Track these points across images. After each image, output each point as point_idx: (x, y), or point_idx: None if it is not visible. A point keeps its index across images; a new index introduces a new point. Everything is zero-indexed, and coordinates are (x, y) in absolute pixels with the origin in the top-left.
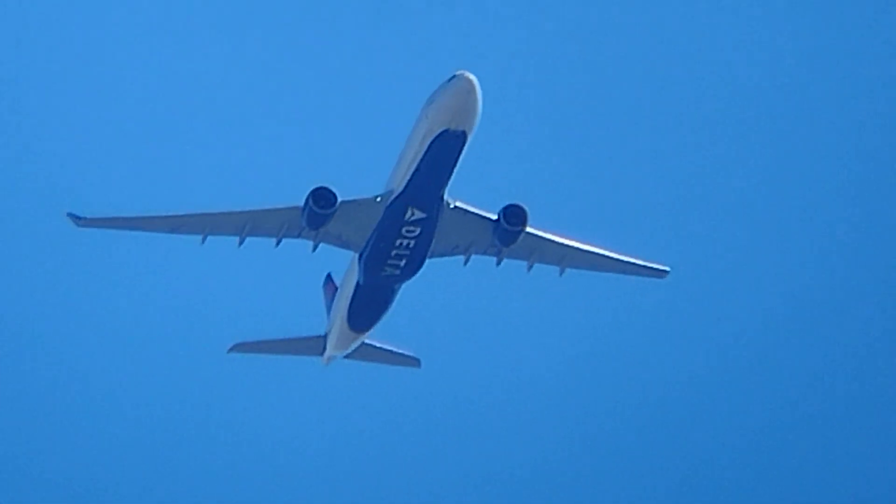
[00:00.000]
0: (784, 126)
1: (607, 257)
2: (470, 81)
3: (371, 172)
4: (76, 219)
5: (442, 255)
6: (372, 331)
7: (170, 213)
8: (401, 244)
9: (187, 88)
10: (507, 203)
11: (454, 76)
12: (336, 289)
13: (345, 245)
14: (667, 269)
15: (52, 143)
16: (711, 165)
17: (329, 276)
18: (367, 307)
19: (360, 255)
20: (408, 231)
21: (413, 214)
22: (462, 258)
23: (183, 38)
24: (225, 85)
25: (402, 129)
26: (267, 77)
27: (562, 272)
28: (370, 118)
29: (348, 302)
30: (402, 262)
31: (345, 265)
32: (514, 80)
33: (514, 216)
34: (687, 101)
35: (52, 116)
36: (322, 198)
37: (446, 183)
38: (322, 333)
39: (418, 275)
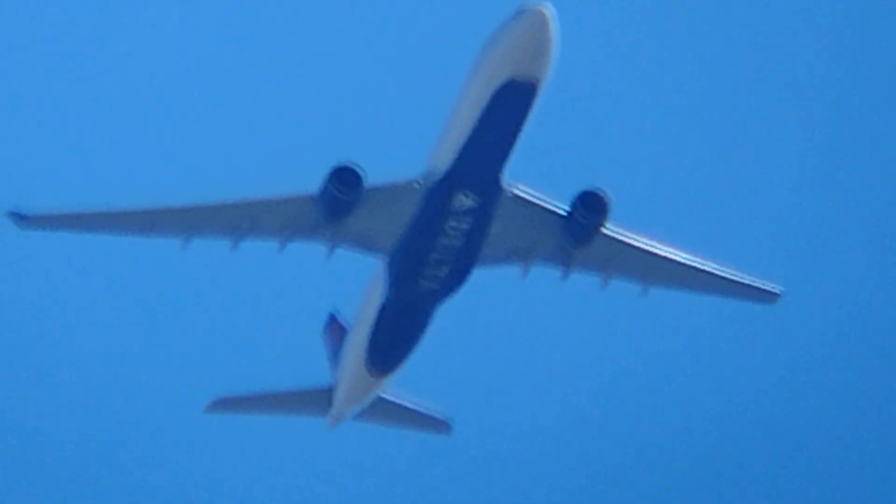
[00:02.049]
0: None
1: (708, 273)
2: (543, 14)
3: (402, 157)
4: (19, 218)
5: (494, 262)
6: (395, 373)
7: (141, 207)
8: (444, 244)
9: (165, 71)
10: (582, 189)
11: (522, 9)
12: (343, 331)
13: (369, 247)
14: (778, 290)
15: None
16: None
17: (333, 317)
18: (393, 336)
19: (389, 262)
20: (454, 226)
21: (462, 202)
22: (518, 268)
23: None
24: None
25: (440, 104)
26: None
27: (645, 290)
28: (401, 93)
29: (369, 330)
30: (444, 271)
31: (358, 296)
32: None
33: (592, 204)
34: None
35: None
36: (345, 179)
37: (507, 157)
38: (327, 385)
39: (460, 290)
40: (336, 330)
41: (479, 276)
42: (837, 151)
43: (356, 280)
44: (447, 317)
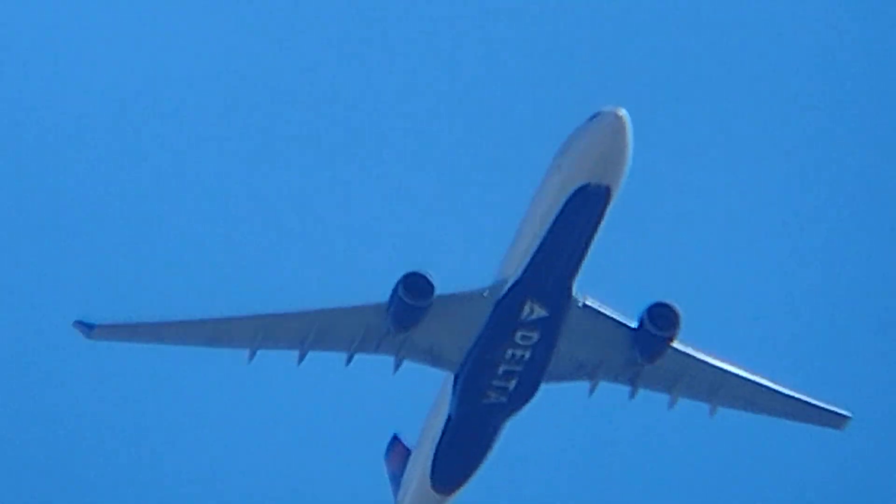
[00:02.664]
0: None
1: (778, 393)
2: (620, 119)
3: (472, 267)
4: (86, 327)
5: (561, 378)
6: (460, 491)
7: (209, 317)
8: (513, 356)
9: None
10: (653, 301)
11: (598, 113)
12: (406, 452)
13: (436, 360)
14: (848, 414)
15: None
16: None
17: (396, 438)
18: (458, 452)
19: (457, 375)
20: (524, 336)
21: (532, 311)
22: (586, 385)
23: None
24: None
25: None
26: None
27: (713, 411)
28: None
29: (435, 445)
30: (512, 384)
31: (423, 413)
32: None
33: (662, 317)
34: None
35: None
36: (416, 286)
37: (579, 265)
38: None
39: (527, 405)
40: (399, 452)
41: (547, 392)
42: None
43: (422, 397)
44: (513, 433)
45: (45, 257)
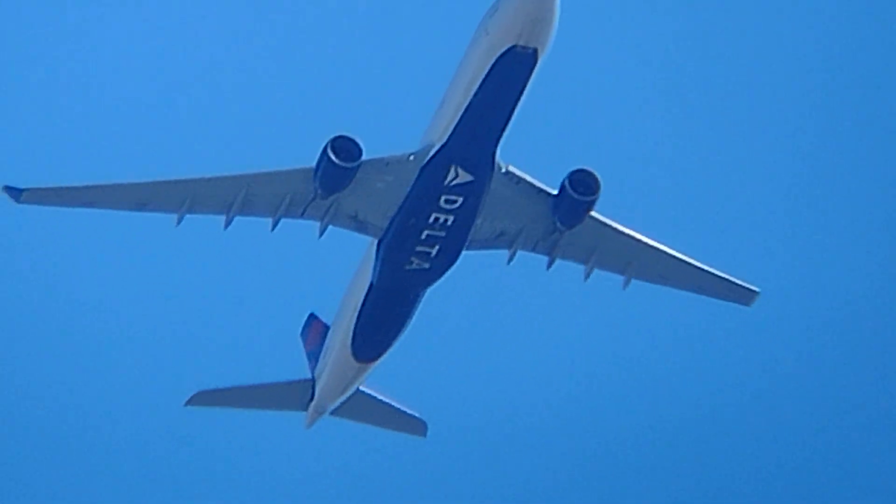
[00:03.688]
0: None
1: (688, 265)
2: None
3: (395, 133)
4: (15, 192)
5: (481, 246)
6: (380, 360)
7: (138, 182)
8: (436, 220)
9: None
10: (574, 168)
11: None
12: (325, 329)
13: (361, 227)
14: (756, 290)
15: None
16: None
17: (313, 316)
18: (379, 320)
19: (380, 241)
20: (447, 202)
21: (457, 176)
22: (504, 254)
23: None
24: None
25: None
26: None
27: (626, 283)
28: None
29: (356, 313)
30: (434, 250)
31: (344, 282)
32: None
33: (582, 183)
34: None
35: None
36: (343, 148)
37: (504, 129)
38: (309, 378)
39: (448, 273)
40: (316, 329)
41: (464, 263)
42: (821, 154)
43: (341, 273)
44: (430, 306)
45: None
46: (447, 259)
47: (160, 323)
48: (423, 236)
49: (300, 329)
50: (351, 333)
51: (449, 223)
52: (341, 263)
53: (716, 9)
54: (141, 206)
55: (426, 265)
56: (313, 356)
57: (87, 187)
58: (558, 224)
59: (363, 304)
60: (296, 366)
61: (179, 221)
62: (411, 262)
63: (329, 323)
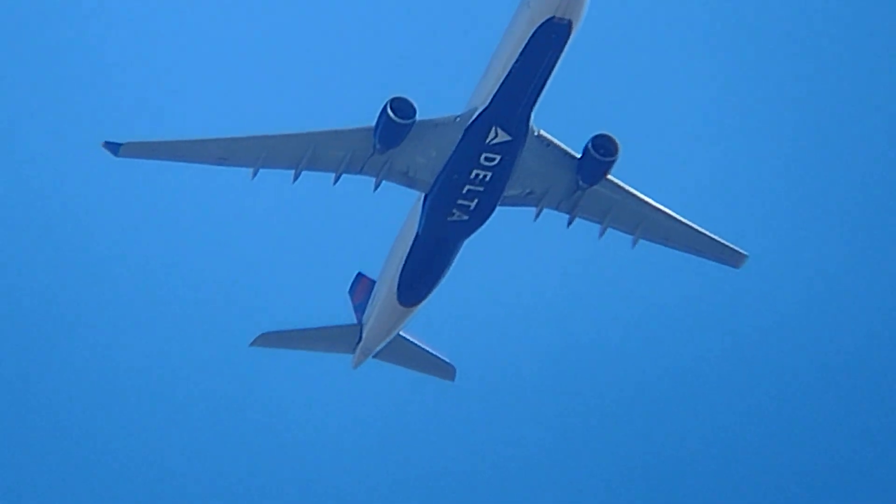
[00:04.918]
0: None
1: (689, 227)
2: None
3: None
4: (113, 146)
5: (513, 202)
6: (422, 304)
7: (224, 136)
8: (476, 176)
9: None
10: (596, 133)
11: None
12: (371, 285)
13: (411, 182)
14: (745, 253)
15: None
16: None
17: (360, 275)
18: (423, 268)
19: (426, 197)
20: (487, 159)
21: (496, 136)
22: (532, 211)
23: None
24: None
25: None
26: None
27: (635, 242)
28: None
29: (403, 260)
30: (473, 203)
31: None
32: None
33: (603, 147)
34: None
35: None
36: (401, 107)
37: (538, 96)
38: (357, 323)
39: (483, 226)
40: (363, 286)
41: (497, 218)
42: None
43: (386, 229)
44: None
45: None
46: (484, 212)
47: (227, 272)
48: (465, 191)
49: (348, 286)
50: (397, 279)
51: (487, 179)
52: (386, 225)
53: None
54: (222, 161)
55: (466, 217)
56: (360, 308)
57: (177, 142)
58: (580, 182)
59: (409, 252)
60: (345, 317)
61: (255, 175)
62: (453, 214)
63: (375, 279)
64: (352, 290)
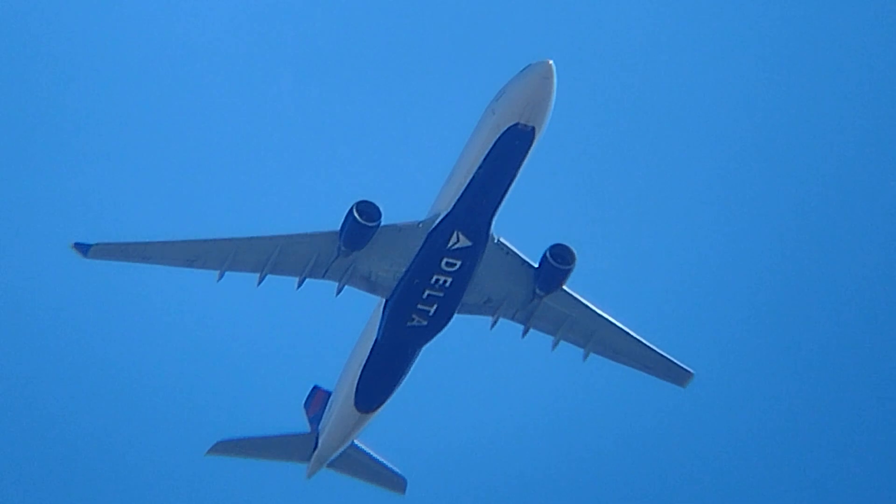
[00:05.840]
0: None
1: (638, 342)
2: (550, 67)
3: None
4: (83, 248)
5: (471, 310)
6: (379, 411)
7: (193, 238)
8: (437, 281)
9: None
10: (554, 242)
11: (530, 64)
12: (327, 397)
13: (372, 287)
14: (691, 371)
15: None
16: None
17: (316, 388)
18: (381, 373)
19: (387, 302)
20: (448, 264)
21: (458, 241)
22: (488, 320)
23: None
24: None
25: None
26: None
27: (586, 355)
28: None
29: (361, 366)
30: (433, 309)
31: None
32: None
33: (561, 256)
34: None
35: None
36: (366, 211)
37: (501, 199)
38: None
39: (441, 333)
40: (319, 398)
41: (454, 326)
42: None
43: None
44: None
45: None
46: (443, 318)
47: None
48: (425, 295)
49: (304, 399)
50: (356, 385)
51: (447, 284)
52: (345, 334)
53: None
54: (190, 263)
55: (425, 322)
56: (315, 420)
57: (146, 244)
58: (537, 290)
59: (367, 359)
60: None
61: (220, 277)
62: (413, 319)
63: (331, 391)
64: (307, 403)
